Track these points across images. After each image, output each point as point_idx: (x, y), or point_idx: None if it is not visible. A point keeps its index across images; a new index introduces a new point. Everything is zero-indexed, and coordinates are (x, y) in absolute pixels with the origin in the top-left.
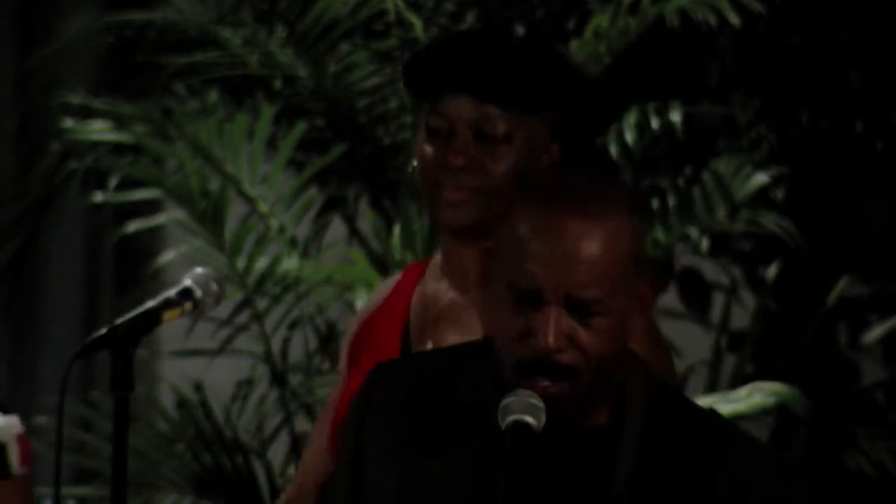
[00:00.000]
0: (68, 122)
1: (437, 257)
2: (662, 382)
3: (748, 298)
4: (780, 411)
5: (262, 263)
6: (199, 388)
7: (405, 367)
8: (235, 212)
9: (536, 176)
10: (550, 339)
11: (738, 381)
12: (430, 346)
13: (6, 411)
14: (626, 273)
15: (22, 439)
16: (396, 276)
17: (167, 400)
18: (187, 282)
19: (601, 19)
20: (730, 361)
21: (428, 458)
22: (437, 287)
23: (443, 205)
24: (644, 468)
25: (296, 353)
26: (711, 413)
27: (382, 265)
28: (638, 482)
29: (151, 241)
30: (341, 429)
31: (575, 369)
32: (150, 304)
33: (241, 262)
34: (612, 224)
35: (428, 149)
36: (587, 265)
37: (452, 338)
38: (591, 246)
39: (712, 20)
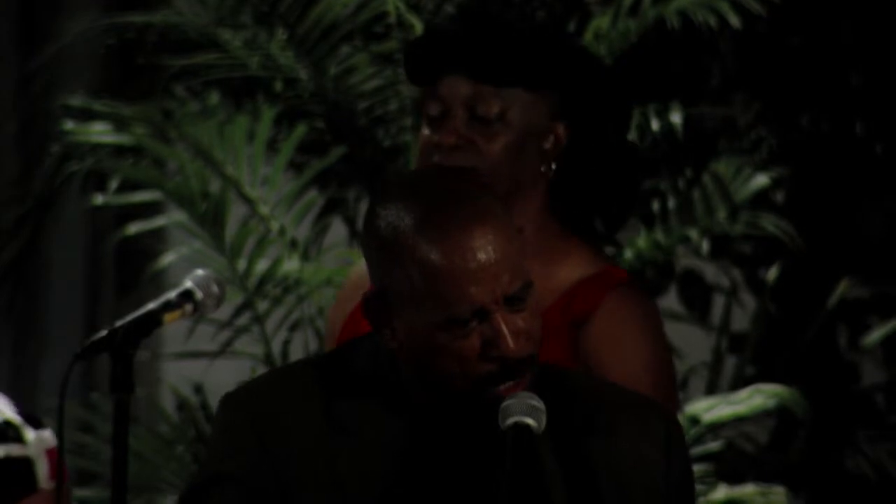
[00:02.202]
0: (69, 124)
1: None
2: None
3: (748, 300)
4: (780, 413)
5: (262, 265)
6: (199, 390)
7: (262, 383)
8: (236, 214)
9: (400, 208)
10: (512, 344)
11: (738, 382)
12: None
13: (39, 425)
14: (520, 246)
15: (52, 454)
16: None
17: (168, 402)
18: (188, 284)
19: (602, 21)
20: (730, 363)
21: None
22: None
23: None
24: (557, 440)
25: (296, 354)
26: (589, 379)
27: None
28: (553, 445)
29: (152, 243)
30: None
31: (532, 356)
32: (151, 306)
33: (241, 264)
34: (495, 212)
35: (426, 132)
36: (504, 262)
37: None
38: (499, 243)
39: (712, 22)
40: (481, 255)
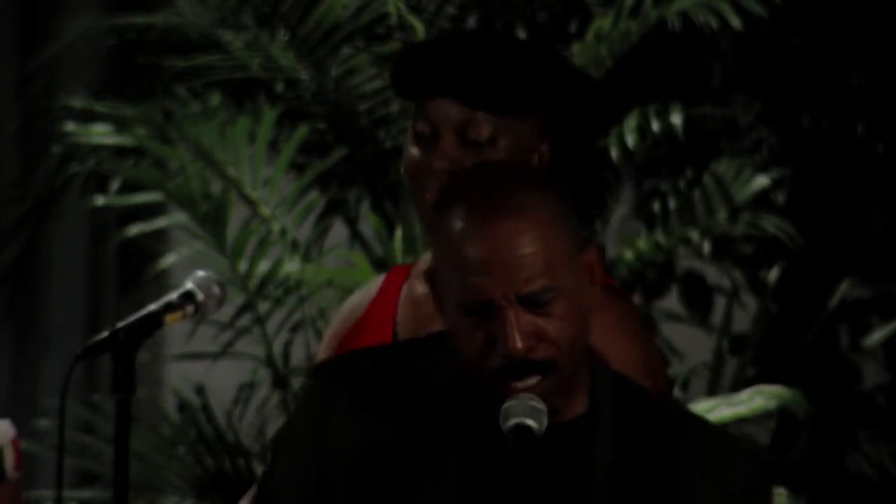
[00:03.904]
0: (70, 125)
1: (424, 259)
2: (619, 373)
3: (750, 301)
4: (781, 414)
5: (263, 266)
6: (200, 391)
7: (352, 362)
8: (237, 215)
9: (451, 190)
10: (517, 343)
11: (739, 383)
12: None
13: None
14: (566, 252)
15: (16, 444)
16: (374, 283)
17: (169, 403)
18: (189, 285)
19: (603, 22)
20: (731, 364)
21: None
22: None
23: (428, 207)
24: (618, 455)
25: (297, 356)
26: (667, 401)
27: (384, 268)
28: (615, 469)
29: (153, 244)
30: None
31: (552, 361)
32: (152, 307)
33: (242, 265)
34: (537, 212)
35: (413, 151)
36: (527, 260)
37: None
38: (525, 241)
39: (713, 23)
40: (500, 249)
